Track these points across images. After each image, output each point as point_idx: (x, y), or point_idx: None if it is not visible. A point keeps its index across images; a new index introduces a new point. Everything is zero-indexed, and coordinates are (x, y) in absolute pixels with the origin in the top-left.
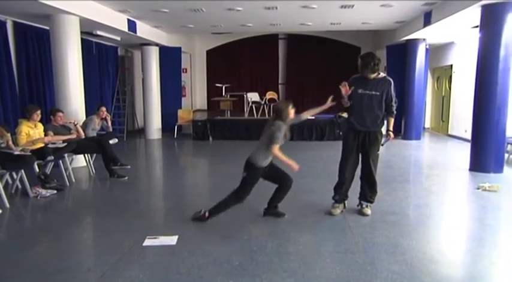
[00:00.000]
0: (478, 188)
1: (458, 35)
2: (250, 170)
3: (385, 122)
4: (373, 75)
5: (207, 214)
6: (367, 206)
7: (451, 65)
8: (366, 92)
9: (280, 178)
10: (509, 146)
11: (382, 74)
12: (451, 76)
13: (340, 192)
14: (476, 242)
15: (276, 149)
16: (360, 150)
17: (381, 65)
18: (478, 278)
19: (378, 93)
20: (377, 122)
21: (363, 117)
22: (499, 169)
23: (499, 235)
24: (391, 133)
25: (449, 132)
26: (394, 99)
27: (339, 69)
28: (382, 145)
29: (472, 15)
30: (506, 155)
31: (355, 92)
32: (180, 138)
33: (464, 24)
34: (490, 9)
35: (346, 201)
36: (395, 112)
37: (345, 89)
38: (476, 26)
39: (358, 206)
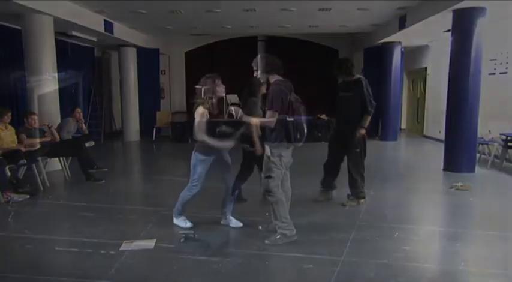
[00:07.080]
0: (452, 188)
1: (432, 38)
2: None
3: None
4: (349, 78)
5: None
6: (351, 199)
7: (426, 68)
8: (343, 94)
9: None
10: (480, 146)
11: (356, 76)
12: (425, 78)
13: (323, 185)
14: (449, 240)
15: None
16: (342, 147)
17: (358, 68)
18: (451, 275)
19: (351, 93)
20: (353, 120)
21: (342, 117)
22: (471, 169)
23: (471, 233)
24: (362, 129)
25: (424, 133)
26: (368, 98)
27: (317, 71)
28: (357, 145)
29: (445, 19)
30: (477, 155)
31: (338, 95)
32: (159, 141)
33: (437, 28)
34: (461, 13)
35: (333, 192)
36: (371, 110)
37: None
38: (449, 30)
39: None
